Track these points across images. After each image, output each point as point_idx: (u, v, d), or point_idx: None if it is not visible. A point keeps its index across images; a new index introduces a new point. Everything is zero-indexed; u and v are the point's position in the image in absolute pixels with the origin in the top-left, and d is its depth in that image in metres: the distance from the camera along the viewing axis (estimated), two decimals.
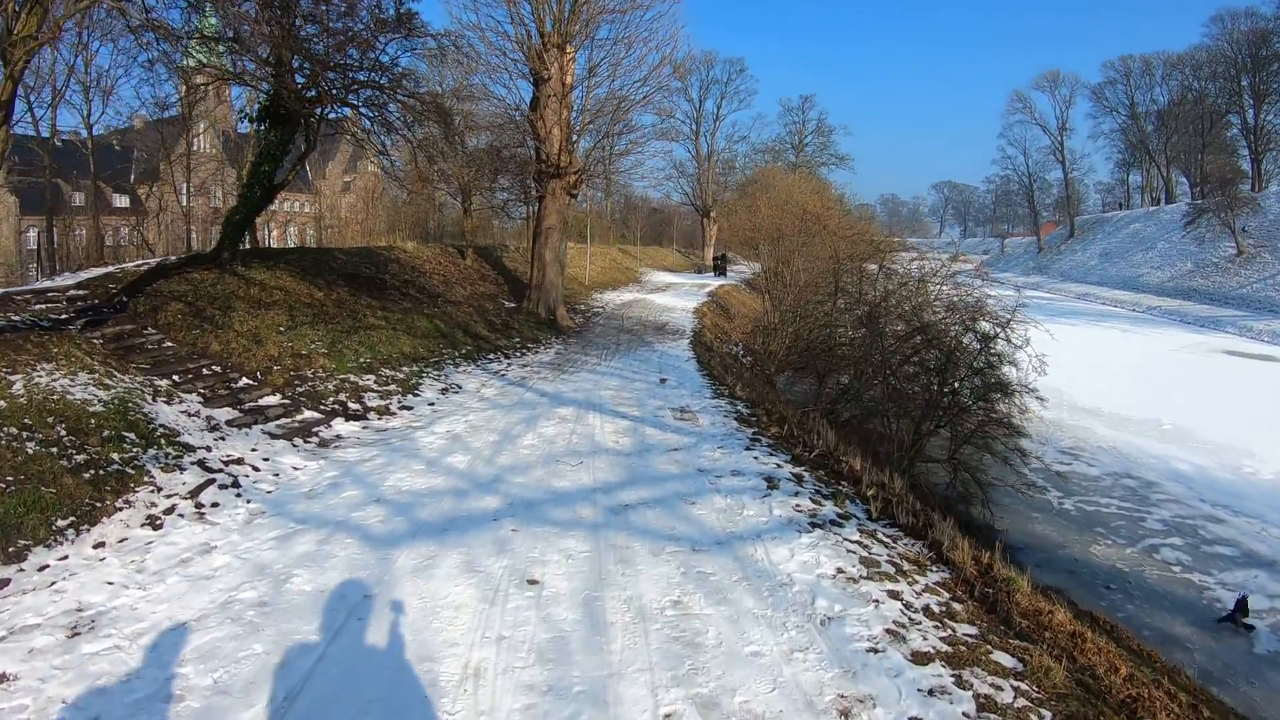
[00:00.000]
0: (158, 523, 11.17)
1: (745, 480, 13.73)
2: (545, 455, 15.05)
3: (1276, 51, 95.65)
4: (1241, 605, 17.51)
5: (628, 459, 14.94)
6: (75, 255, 40.09)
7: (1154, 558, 21.50)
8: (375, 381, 20.04)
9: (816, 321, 39.78)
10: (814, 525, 11.62)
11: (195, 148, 58.82)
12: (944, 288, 30.54)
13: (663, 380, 24.14)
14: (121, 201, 65.92)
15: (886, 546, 11.21)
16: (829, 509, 12.38)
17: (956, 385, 25.85)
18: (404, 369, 21.80)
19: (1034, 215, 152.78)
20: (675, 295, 57.28)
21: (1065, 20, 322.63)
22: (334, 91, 23.16)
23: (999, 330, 25.30)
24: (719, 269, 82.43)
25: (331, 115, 24.61)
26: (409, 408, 18.99)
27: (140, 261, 25.36)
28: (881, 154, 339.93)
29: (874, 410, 29.78)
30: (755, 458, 15.19)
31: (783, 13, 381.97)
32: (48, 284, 21.14)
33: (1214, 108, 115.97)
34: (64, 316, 17.93)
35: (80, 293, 19.94)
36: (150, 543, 10.56)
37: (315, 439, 15.79)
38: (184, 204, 46.70)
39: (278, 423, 16.21)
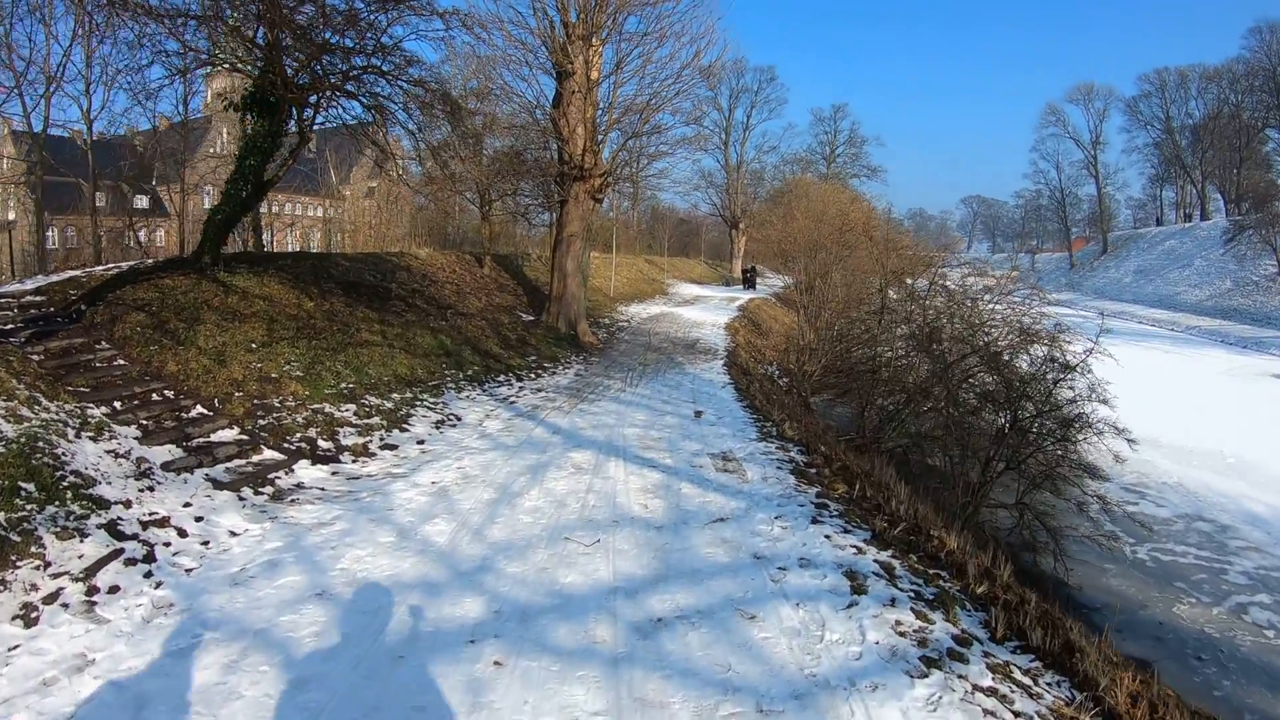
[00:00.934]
0: (34, 616, 8.05)
1: (820, 576, 10.00)
2: (552, 527, 11.47)
3: None
4: None
5: (659, 536, 11.27)
6: (82, 257, 37.52)
7: (1243, 620, 18.71)
8: (356, 413, 16.63)
9: (858, 340, 36.86)
10: (928, 662, 7.92)
11: (217, 148, 56.19)
12: (996, 306, 28.54)
13: (698, 414, 20.63)
14: (143, 203, 63.38)
15: (1029, 693, 7.63)
16: (940, 627, 8.72)
17: (1028, 421, 22.84)
18: (394, 395, 18.44)
19: (1066, 231, 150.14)
20: (704, 309, 53.73)
21: (1100, 33, 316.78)
22: (330, 78, 20.12)
23: (1080, 360, 22.48)
24: (748, 281, 79.09)
25: (329, 105, 21.48)
26: (392, 447, 15.54)
27: (110, 265, 22.17)
28: (908, 167, 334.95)
29: (921, 440, 27.33)
30: (827, 536, 11.47)
31: (811, 20, 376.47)
32: (13, 288, 18.07)
33: (1251, 122, 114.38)
34: (8, 327, 14.82)
35: (36, 299, 16.92)
36: (15, 648, 7.45)
37: (269, 490, 12.43)
38: (179, 204, 43.64)
39: (227, 465, 12.92)
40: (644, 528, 11.59)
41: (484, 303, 32.60)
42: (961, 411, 25.19)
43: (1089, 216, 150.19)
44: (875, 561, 10.57)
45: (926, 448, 27.68)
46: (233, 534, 10.61)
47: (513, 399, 21.30)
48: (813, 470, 15.60)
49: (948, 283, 32.90)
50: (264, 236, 42.19)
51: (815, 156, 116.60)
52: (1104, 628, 11.49)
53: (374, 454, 14.98)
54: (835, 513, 12.73)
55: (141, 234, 44.50)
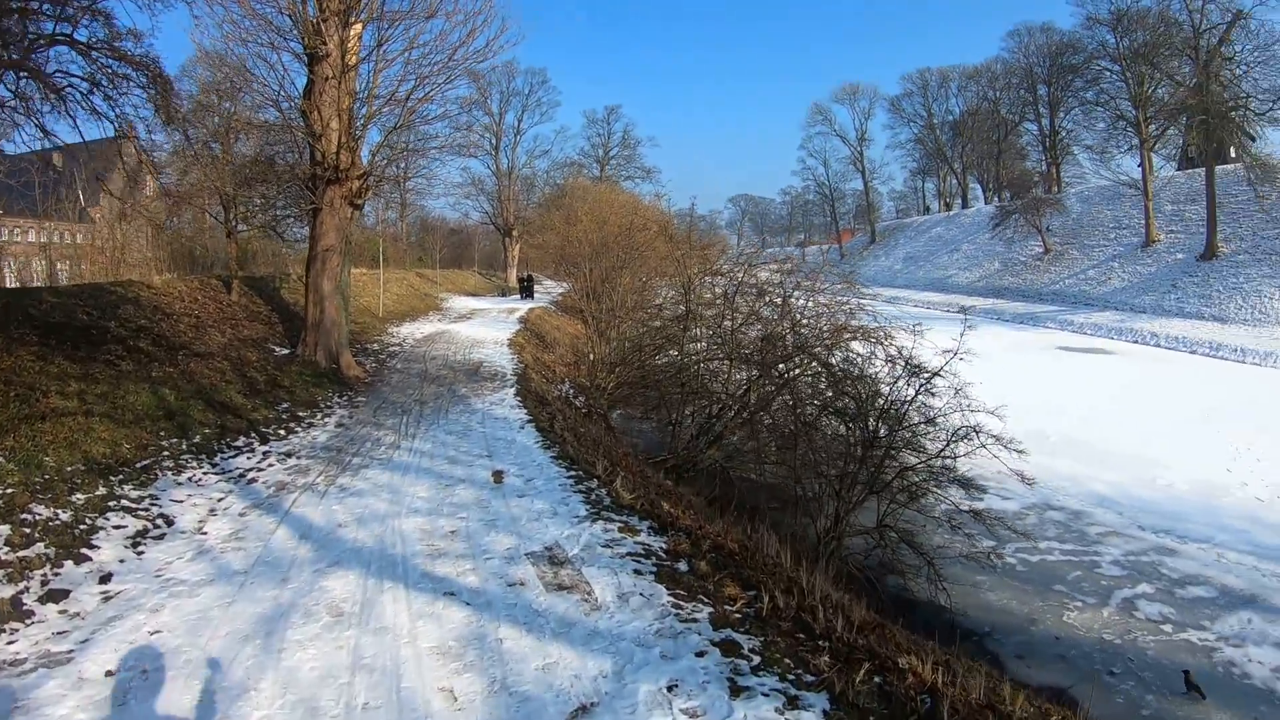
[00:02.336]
0: None
1: None
2: None
3: (1073, 64, 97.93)
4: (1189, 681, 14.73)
5: None
6: None
7: (1135, 617, 17.96)
8: (9, 539, 10.86)
9: (655, 347, 33.90)
10: None
11: None
12: (808, 303, 27.25)
13: (498, 476, 15.95)
14: None
15: None
16: None
17: (889, 436, 20.78)
18: (77, 497, 12.69)
19: (835, 223, 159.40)
20: (483, 324, 48.54)
21: (864, 36, 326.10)
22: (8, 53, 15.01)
23: (945, 362, 20.82)
24: (526, 290, 74.47)
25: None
26: (61, 594, 9.94)
27: None
28: (678, 169, 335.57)
29: (742, 455, 25.70)
30: None
31: (582, 22, 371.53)
32: None
33: (1008, 117, 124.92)
34: None
35: None
36: None
37: None
38: None
39: None
40: None
41: (229, 337, 26.73)
42: (805, 425, 22.73)
43: (856, 209, 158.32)
44: None
45: (754, 466, 25.48)
46: None
47: (253, 475, 15.95)
48: (682, 566, 11.13)
49: (752, 279, 30.21)
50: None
51: (588, 160, 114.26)
52: None
53: (29, 614, 9.42)
54: (755, 658, 8.23)
55: None
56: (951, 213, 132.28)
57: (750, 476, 26.20)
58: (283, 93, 27.02)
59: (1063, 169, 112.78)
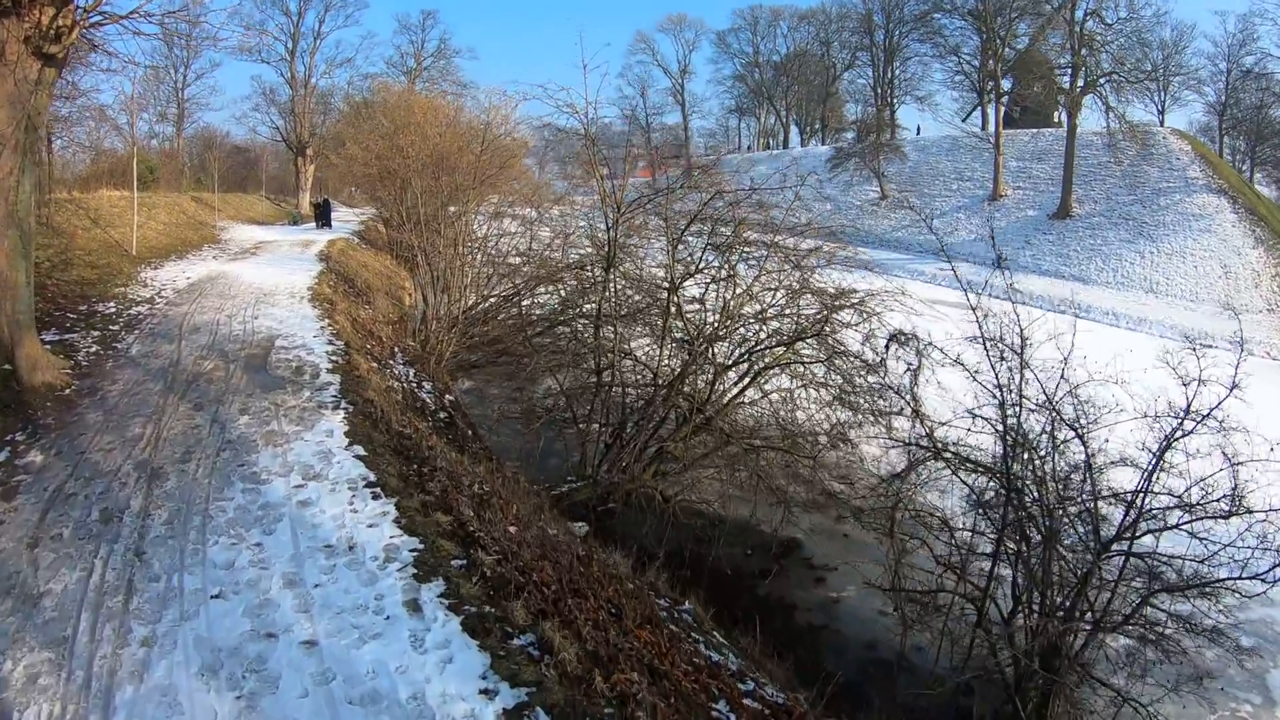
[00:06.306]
0: None
1: None
2: None
3: (921, 12, 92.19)
4: None
5: None
6: None
7: None
8: None
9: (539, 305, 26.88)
10: None
11: None
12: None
13: None
14: None
15: None
16: None
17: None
18: None
19: (653, 157, 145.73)
20: (273, 262, 32.85)
21: None
22: None
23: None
24: (322, 218, 59.88)
25: None
26: None
27: None
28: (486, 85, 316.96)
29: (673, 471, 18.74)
30: None
31: None
32: None
33: (835, 61, 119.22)
34: None
35: None
36: None
37: None
38: None
39: None
40: None
41: None
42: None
43: (670, 142, 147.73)
44: None
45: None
46: None
47: None
48: None
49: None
50: None
51: (394, 71, 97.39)
52: None
53: None
54: None
55: None
56: (777, 152, 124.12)
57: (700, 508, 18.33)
58: None
59: (899, 116, 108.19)
